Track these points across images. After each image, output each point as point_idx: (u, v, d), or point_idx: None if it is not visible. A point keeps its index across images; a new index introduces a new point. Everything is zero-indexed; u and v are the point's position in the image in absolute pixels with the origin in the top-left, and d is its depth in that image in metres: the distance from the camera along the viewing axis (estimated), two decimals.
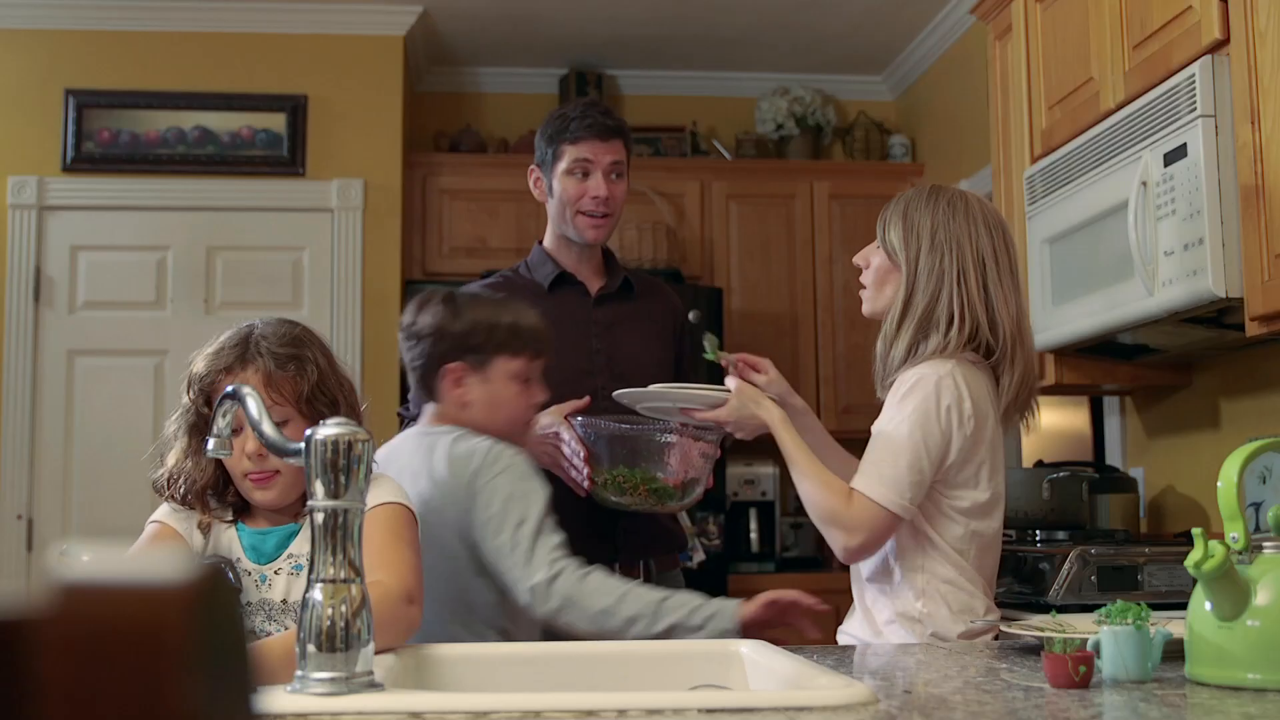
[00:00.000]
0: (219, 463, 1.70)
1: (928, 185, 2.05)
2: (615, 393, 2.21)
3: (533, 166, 2.68)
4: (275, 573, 1.70)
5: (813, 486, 1.91)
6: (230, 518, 1.74)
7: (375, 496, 1.68)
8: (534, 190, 2.70)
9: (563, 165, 2.59)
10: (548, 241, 2.71)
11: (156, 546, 1.70)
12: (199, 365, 1.71)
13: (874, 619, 1.93)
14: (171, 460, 1.71)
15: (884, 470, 1.86)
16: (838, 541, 1.89)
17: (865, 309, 2.08)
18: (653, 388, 2.16)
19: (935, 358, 1.91)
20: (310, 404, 1.70)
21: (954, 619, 1.85)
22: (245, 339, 1.71)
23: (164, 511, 1.74)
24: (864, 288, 2.06)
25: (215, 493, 1.73)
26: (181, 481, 1.70)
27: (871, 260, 2.05)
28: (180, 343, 4.14)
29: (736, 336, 4.53)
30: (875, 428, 1.92)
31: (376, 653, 1.36)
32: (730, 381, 2.08)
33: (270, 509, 1.72)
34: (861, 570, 1.97)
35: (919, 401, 1.87)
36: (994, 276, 1.95)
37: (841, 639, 2.00)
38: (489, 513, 1.86)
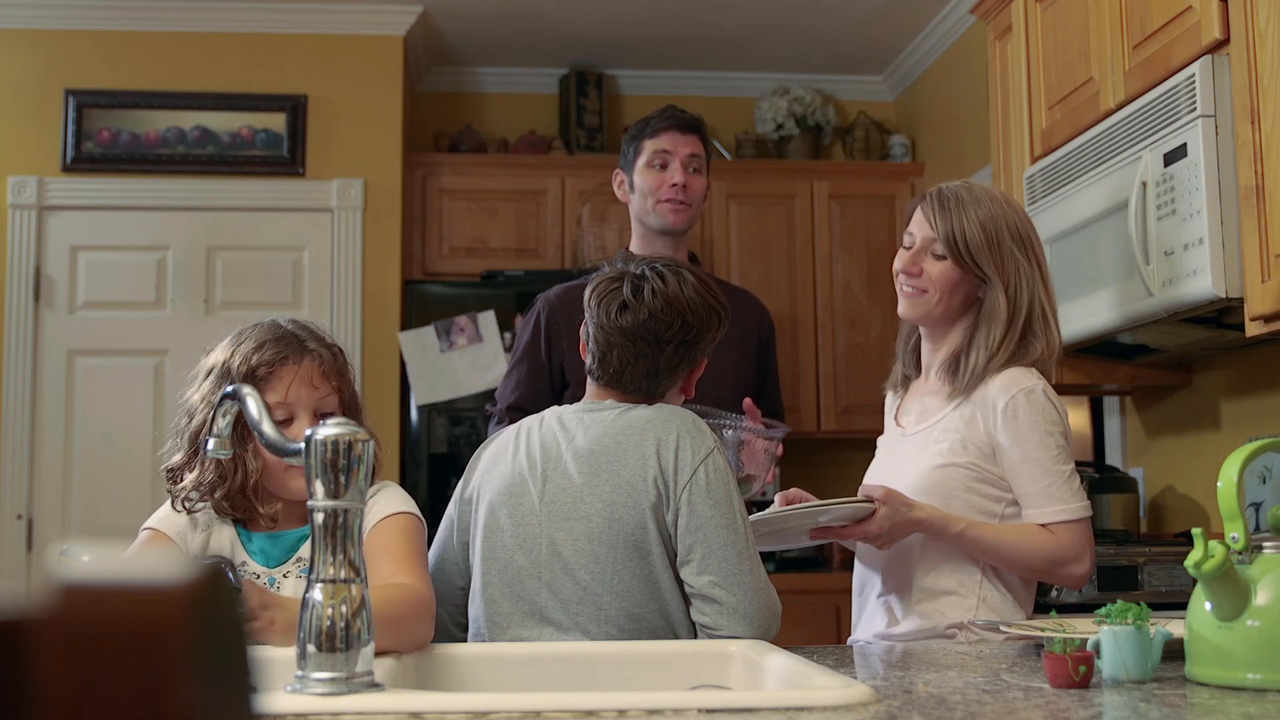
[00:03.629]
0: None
1: (969, 184, 2.01)
2: (751, 518, 1.88)
3: (616, 170, 2.76)
4: (284, 576, 1.69)
5: (1017, 549, 1.90)
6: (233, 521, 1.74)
7: (388, 504, 1.68)
8: (617, 192, 2.77)
9: (643, 159, 2.67)
10: (634, 245, 2.75)
11: (150, 552, 1.70)
12: (251, 357, 1.66)
13: (925, 626, 1.93)
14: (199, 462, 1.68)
15: (1057, 490, 1.90)
16: (1072, 574, 1.92)
17: (916, 312, 2.02)
18: (792, 508, 1.91)
19: (1014, 365, 1.95)
20: (350, 398, 1.74)
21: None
22: (287, 332, 1.71)
23: (158, 518, 1.73)
24: (922, 292, 1.99)
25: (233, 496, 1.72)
26: (210, 484, 1.67)
27: (929, 268, 1.98)
28: (180, 343, 4.14)
29: None
30: (1014, 459, 1.91)
31: (384, 653, 1.36)
32: (870, 490, 1.88)
33: (301, 498, 1.71)
34: (918, 580, 1.95)
35: (1041, 412, 1.91)
36: (1046, 266, 2.05)
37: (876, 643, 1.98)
38: None
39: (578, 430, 1.84)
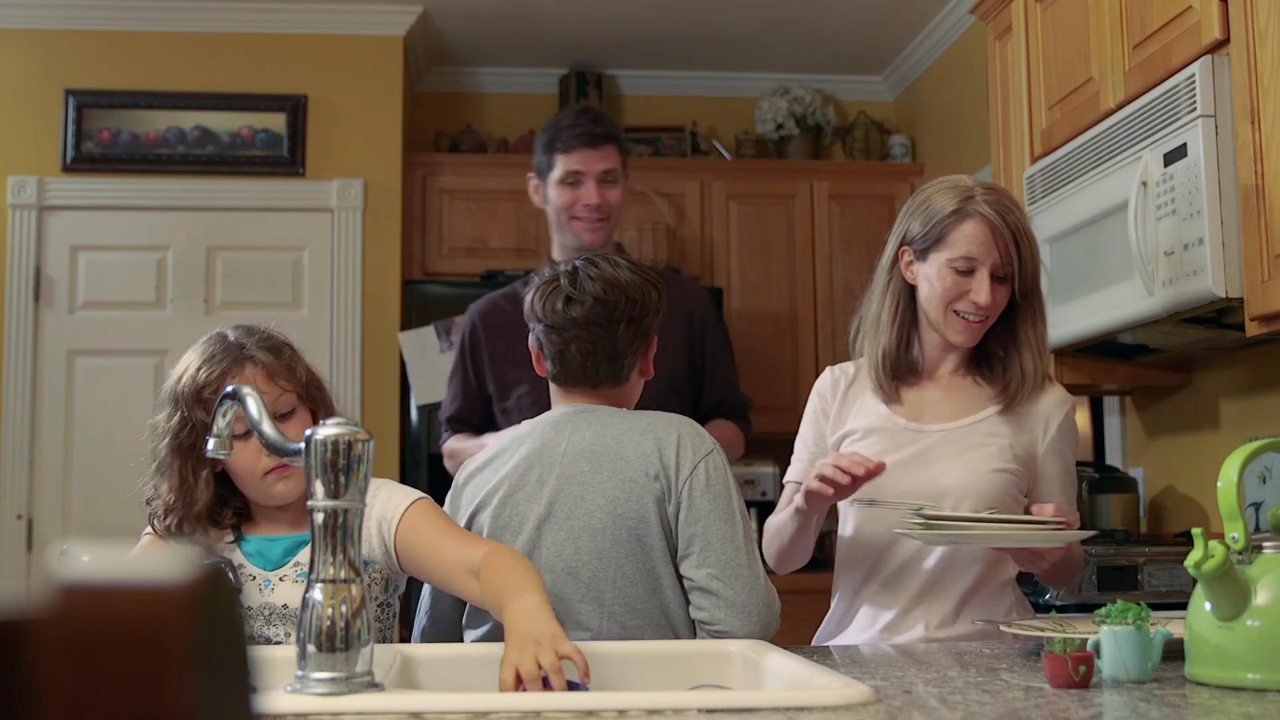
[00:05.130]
0: (216, 482, 1.69)
1: (1011, 199, 1.93)
2: (948, 522, 1.77)
3: (531, 174, 2.73)
4: (280, 579, 1.69)
5: (1079, 554, 1.97)
6: (231, 539, 1.73)
7: (401, 495, 1.69)
8: (534, 198, 2.76)
9: (556, 174, 2.63)
10: (555, 251, 2.75)
11: (151, 553, 1.69)
12: (194, 378, 1.67)
13: (978, 627, 1.90)
14: (166, 489, 1.67)
15: (1072, 496, 1.99)
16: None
17: (977, 339, 1.94)
18: (1013, 521, 1.77)
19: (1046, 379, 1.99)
20: (308, 389, 1.72)
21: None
22: (229, 344, 1.70)
23: None
24: (985, 319, 1.92)
25: (213, 514, 1.71)
26: (179, 509, 1.67)
27: (997, 297, 1.91)
28: (180, 343, 4.11)
29: (737, 337, 4.52)
30: (1056, 470, 1.96)
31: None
32: (1058, 512, 1.77)
33: (288, 501, 1.70)
34: (978, 579, 1.92)
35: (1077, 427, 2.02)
36: None
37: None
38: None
39: (572, 433, 1.85)
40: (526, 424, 1.94)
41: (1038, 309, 1.94)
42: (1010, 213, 1.89)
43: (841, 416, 2.04)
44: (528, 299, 1.92)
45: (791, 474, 2.06)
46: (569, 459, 1.82)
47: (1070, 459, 1.97)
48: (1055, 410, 1.96)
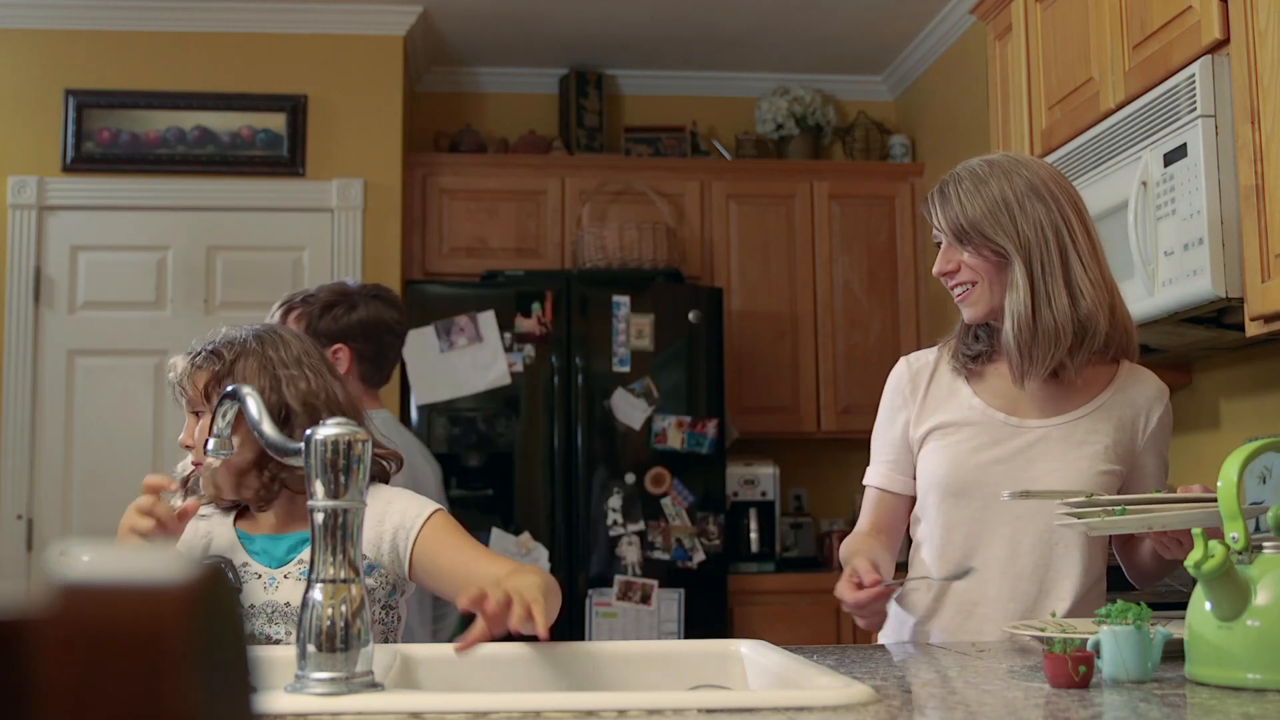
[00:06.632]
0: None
1: (988, 157, 1.84)
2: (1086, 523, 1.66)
3: None
4: (285, 576, 1.70)
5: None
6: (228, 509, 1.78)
7: (419, 505, 1.70)
8: None
9: None
10: None
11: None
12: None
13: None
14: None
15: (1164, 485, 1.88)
16: None
17: (981, 309, 1.82)
18: (1169, 515, 1.61)
19: (1123, 356, 1.85)
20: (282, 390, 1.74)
21: None
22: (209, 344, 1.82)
23: None
24: (971, 284, 1.81)
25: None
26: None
27: (964, 259, 1.81)
28: (180, 343, 4.12)
29: (736, 337, 4.53)
30: (1154, 468, 1.86)
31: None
32: (1205, 490, 1.66)
33: (218, 497, 1.76)
34: (1094, 573, 1.84)
35: None
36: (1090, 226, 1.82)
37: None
38: None
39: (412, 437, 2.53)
40: (394, 428, 2.43)
41: (1020, 271, 1.75)
42: (955, 174, 1.82)
43: (926, 409, 1.90)
44: (360, 310, 2.36)
45: (871, 478, 1.97)
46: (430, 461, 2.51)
47: (1166, 451, 1.88)
48: (1155, 402, 1.86)
